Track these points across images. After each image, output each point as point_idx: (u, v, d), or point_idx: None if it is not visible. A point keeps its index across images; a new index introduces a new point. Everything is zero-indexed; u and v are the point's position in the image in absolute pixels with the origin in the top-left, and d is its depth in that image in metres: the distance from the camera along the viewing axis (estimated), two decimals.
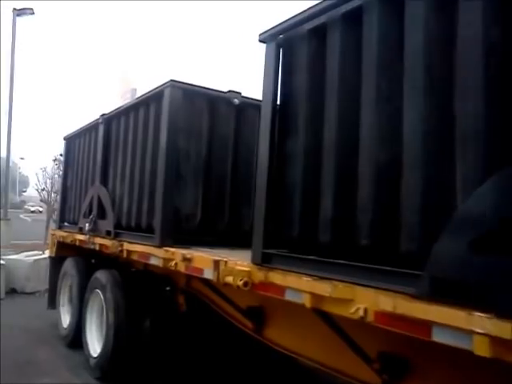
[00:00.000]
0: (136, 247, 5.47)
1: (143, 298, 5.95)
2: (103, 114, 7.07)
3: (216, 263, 3.97)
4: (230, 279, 3.66)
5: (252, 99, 5.65)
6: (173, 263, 4.67)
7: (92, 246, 6.86)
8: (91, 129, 7.65)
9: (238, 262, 3.78)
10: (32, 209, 55.11)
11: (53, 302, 8.58)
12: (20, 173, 66.36)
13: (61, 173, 22.11)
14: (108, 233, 6.38)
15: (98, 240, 6.66)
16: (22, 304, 10.49)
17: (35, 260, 11.85)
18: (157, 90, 5.43)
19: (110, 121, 6.91)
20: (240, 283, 3.54)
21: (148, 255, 5.21)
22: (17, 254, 12.97)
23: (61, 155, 21.28)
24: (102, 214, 6.81)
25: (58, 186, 21.36)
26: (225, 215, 5.47)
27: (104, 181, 6.88)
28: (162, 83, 5.29)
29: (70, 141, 8.85)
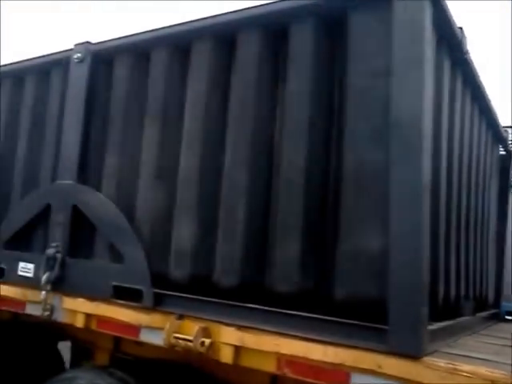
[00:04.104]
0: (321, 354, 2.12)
1: None
2: (85, 43, 3.36)
3: None
4: None
5: None
6: None
7: (51, 317, 3.08)
8: (32, 71, 3.73)
9: None
10: None
11: None
12: None
13: None
14: (135, 295, 2.76)
15: (82, 306, 2.95)
16: None
17: None
18: None
19: (108, 55, 3.27)
20: None
21: None
22: None
23: None
24: (86, 245, 3.12)
25: None
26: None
27: (89, 176, 3.20)
28: None
29: None
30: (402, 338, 1.94)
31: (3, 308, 3.44)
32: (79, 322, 2.96)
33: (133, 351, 3.31)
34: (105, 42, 3.27)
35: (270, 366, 2.28)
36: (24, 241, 3.45)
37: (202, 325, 2.45)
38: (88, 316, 2.95)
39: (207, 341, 2.40)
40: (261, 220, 2.52)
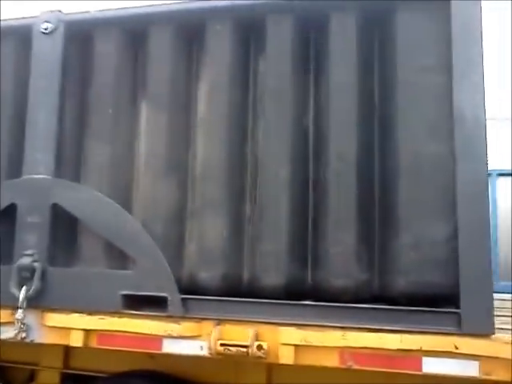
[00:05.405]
0: None
1: None
2: (56, 12, 2.77)
3: None
4: None
5: None
6: None
7: (27, 339, 2.51)
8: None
9: None
10: None
11: None
12: None
13: None
14: (155, 303, 2.39)
15: (78, 321, 2.46)
16: None
17: None
18: None
19: (87, 28, 2.77)
20: None
21: None
22: None
23: None
24: (70, 250, 2.63)
25: None
26: None
27: (67, 170, 2.70)
28: None
29: None
30: (476, 319, 2.11)
31: None
32: (76, 341, 2.50)
33: (88, 366, 2.97)
34: (84, 13, 2.79)
35: (331, 362, 2.26)
36: None
37: (253, 328, 2.31)
38: (86, 332, 2.52)
39: (264, 344, 2.26)
40: (304, 214, 2.47)
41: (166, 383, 2.75)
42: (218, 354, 2.30)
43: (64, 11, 2.81)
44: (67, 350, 3.01)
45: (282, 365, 2.31)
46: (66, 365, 3.04)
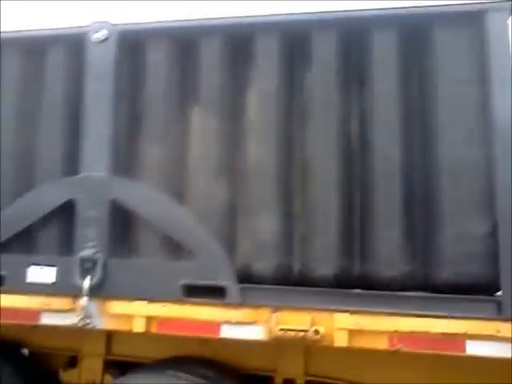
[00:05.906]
0: None
1: None
2: (106, 22, 2.91)
3: None
4: None
5: None
6: None
7: (90, 325, 2.67)
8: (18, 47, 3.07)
9: None
10: None
11: None
12: None
13: None
14: (213, 292, 2.57)
15: (141, 309, 2.63)
16: None
17: None
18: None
19: (139, 38, 2.93)
20: None
21: None
22: None
23: None
24: (128, 243, 2.81)
25: None
26: None
27: (122, 168, 2.86)
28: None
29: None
30: None
31: (7, 321, 2.86)
32: (139, 327, 2.67)
33: (130, 352, 3.16)
34: (135, 24, 2.96)
35: (382, 345, 2.47)
36: (29, 242, 2.91)
37: (309, 314, 2.50)
38: (148, 319, 2.69)
39: (321, 328, 2.46)
40: (351, 210, 2.66)
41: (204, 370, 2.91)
42: (277, 338, 2.50)
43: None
44: (109, 337, 3.20)
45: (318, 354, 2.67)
46: (108, 351, 3.22)
